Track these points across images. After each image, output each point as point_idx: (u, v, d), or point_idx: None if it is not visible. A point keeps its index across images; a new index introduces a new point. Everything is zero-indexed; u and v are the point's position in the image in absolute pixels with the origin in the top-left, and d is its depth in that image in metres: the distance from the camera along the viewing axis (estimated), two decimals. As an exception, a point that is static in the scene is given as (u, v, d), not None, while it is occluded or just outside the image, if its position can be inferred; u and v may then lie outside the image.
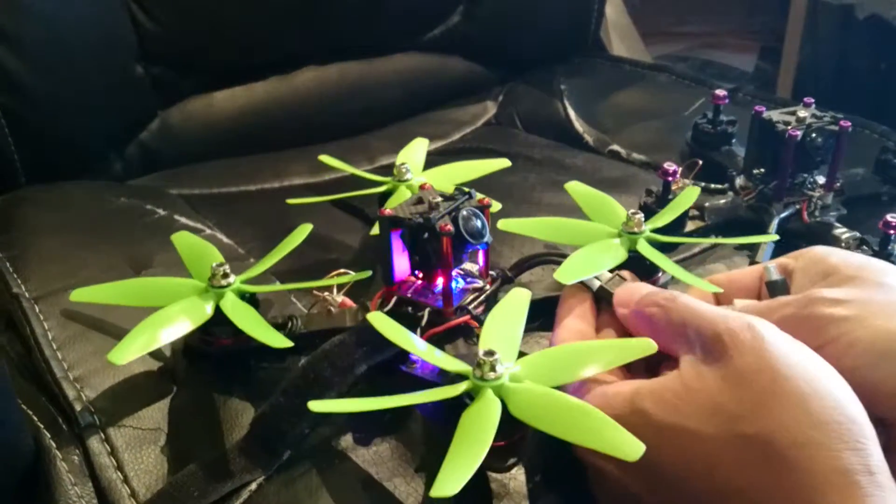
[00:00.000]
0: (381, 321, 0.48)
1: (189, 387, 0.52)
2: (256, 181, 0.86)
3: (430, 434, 0.49)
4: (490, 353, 0.44)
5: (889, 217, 0.59)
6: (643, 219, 0.55)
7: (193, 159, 0.90)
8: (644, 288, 0.48)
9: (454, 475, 0.39)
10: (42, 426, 0.49)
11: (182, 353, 0.54)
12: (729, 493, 0.37)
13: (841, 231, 0.63)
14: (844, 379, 0.39)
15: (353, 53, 0.96)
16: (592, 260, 0.52)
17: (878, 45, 1.47)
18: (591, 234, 0.56)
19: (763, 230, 0.64)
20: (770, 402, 0.37)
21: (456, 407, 0.44)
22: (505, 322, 0.49)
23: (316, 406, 0.43)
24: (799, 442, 0.36)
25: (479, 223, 0.52)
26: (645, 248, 0.54)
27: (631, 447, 0.38)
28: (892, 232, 0.59)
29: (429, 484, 0.46)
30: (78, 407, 0.50)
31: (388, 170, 0.65)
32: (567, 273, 0.50)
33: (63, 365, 0.52)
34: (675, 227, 0.63)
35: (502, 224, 0.57)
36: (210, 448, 0.48)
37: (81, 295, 0.54)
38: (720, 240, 0.61)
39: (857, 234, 0.63)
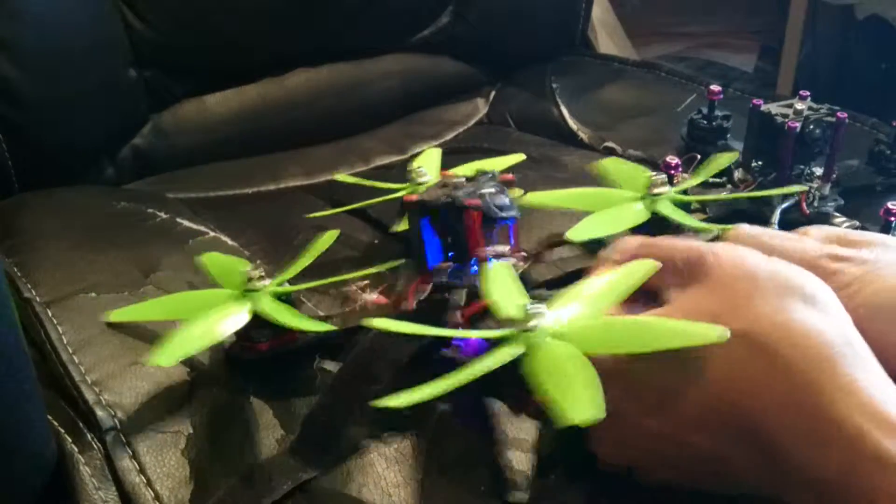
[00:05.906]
0: (386, 325, 0.45)
1: (206, 389, 0.52)
2: (252, 184, 0.86)
3: (452, 431, 0.49)
4: (535, 302, 0.43)
5: (890, 205, 0.60)
6: (666, 180, 0.56)
7: (186, 163, 0.89)
8: (635, 239, 0.50)
9: (585, 400, 0.37)
10: (63, 431, 0.49)
11: (224, 361, 0.54)
12: (722, 393, 0.38)
13: (840, 220, 0.64)
14: None
15: (343, 55, 0.96)
16: (608, 220, 0.52)
17: (878, 45, 1.48)
18: (616, 200, 0.57)
19: (764, 222, 0.64)
20: (749, 300, 0.40)
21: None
22: (505, 288, 0.48)
23: (377, 403, 0.41)
24: (778, 325, 0.38)
25: (505, 198, 0.53)
26: (666, 208, 0.54)
27: (714, 330, 0.38)
28: (892, 219, 0.60)
29: (453, 482, 0.47)
30: (98, 411, 0.49)
31: (384, 170, 0.65)
32: (579, 232, 0.50)
33: (80, 369, 0.52)
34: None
35: (530, 196, 0.57)
36: (230, 450, 0.48)
37: (119, 315, 0.54)
38: (741, 195, 0.63)
39: (857, 223, 0.64)
